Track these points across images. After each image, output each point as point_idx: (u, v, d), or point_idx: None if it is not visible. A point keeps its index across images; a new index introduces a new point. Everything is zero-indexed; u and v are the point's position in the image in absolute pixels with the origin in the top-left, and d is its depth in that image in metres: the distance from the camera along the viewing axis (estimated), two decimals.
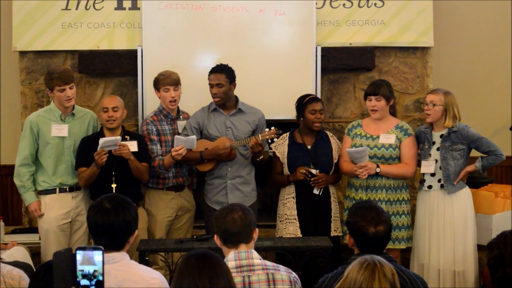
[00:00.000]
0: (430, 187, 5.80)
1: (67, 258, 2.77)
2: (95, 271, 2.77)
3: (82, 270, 2.76)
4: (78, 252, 2.76)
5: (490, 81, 7.61)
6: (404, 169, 5.76)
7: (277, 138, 5.76)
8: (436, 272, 5.70)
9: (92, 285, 2.76)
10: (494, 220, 6.29)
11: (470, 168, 5.74)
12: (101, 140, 5.52)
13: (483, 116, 7.45)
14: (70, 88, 5.66)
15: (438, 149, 5.74)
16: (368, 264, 2.99)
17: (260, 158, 5.81)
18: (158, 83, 5.93)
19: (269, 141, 5.78)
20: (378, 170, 5.69)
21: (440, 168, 5.73)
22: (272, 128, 5.66)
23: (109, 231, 3.43)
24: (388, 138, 5.76)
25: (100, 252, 2.76)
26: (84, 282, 2.76)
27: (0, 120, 7.34)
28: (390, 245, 5.70)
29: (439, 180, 5.75)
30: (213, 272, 2.98)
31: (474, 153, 5.84)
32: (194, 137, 5.69)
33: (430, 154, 5.77)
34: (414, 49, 6.99)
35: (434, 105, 5.68)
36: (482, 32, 7.55)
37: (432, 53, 7.03)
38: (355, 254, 3.76)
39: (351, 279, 3.00)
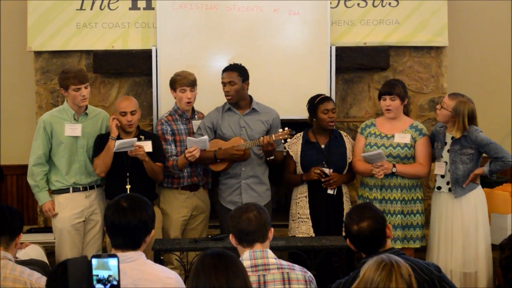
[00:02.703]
0: (439, 188, 5.80)
1: (82, 265, 2.78)
2: (109, 276, 2.78)
3: (97, 275, 2.77)
4: (93, 259, 2.77)
5: (504, 80, 7.58)
6: (419, 169, 5.75)
7: (291, 138, 5.77)
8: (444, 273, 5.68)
9: None
10: (509, 220, 6.28)
11: (478, 171, 5.70)
12: (117, 142, 5.53)
13: (497, 115, 7.43)
14: (85, 88, 5.68)
15: (448, 151, 5.73)
16: (385, 265, 2.98)
17: (271, 158, 5.81)
18: (175, 83, 5.93)
19: (283, 141, 5.79)
20: (394, 170, 5.68)
21: (449, 171, 5.72)
22: (286, 128, 5.65)
23: (126, 230, 3.44)
24: (403, 138, 5.75)
25: (116, 258, 2.78)
26: (98, 286, 2.77)
27: (16, 119, 7.38)
28: (404, 244, 5.73)
29: (448, 183, 5.74)
30: (230, 272, 2.98)
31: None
32: (206, 137, 5.69)
33: (442, 155, 5.76)
34: (429, 48, 6.98)
35: (442, 107, 5.67)
36: (497, 32, 7.53)
37: (447, 53, 7.01)
38: (364, 257, 3.77)
39: (368, 279, 2.99)
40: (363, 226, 3.74)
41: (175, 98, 5.99)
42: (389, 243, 3.84)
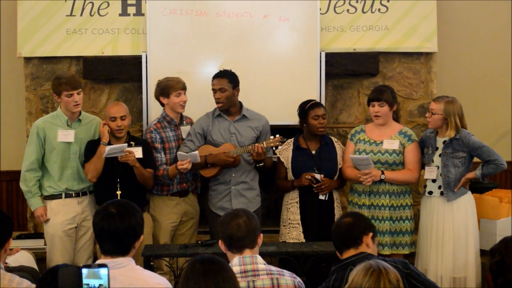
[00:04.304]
0: (430, 192, 5.81)
1: (73, 275, 2.78)
2: (100, 285, 2.78)
3: (88, 284, 2.77)
4: (83, 269, 2.77)
5: (493, 86, 7.61)
6: (409, 175, 5.76)
7: (281, 145, 5.78)
8: (434, 278, 5.69)
9: None
10: (499, 225, 6.29)
11: (470, 175, 5.73)
12: (107, 148, 5.54)
13: (487, 121, 7.45)
14: (78, 94, 5.68)
15: (440, 155, 5.74)
16: (373, 270, 3.00)
17: (261, 164, 5.82)
18: (169, 89, 5.91)
19: (273, 148, 5.80)
20: (383, 177, 5.69)
21: (441, 175, 5.74)
22: (277, 135, 5.67)
23: (114, 236, 3.43)
24: (392, 144, 5.76)
25: (106, 268, 2.78)
26: None
27: (5, 125, 7.36)
28: (393, 250, 5.74)
29: (440, 187, 5.75)
30: (219, 277, 2.99)
31: (477, 159, 5.83)
32: (196, 152, 5.69)
33: (432, 160, 5.78)
34: (418, 54, 7.00)
35: (433, 113, 5.69)
36: (486, 37, 7.55)
37: (436, 59, 7.04)
38: (333, 266, 3.86)
39: (356, 285, 3.00)
40: (346, 219, 3.96)
41: (166, 104, 5.96)
42: (363, 249, 3.90)
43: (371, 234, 3.95)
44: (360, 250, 3.88)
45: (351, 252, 3.90)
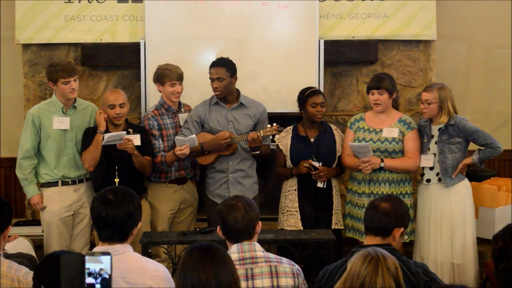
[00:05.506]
0: (428, 180, 5.81)
1: (75, 262, 2.78)
2: (101, 269, 2.77)
3: (88, 268, 2.77)
4: (87, 257, 2.77)
5: (491, 74, 7.60)
6: (408, 163, 5.76)
7: (278, 134, 5.77)
8: (434, 265, 5.70)
9: (97, 283, 2.77)
10: (497, 214, 6.30)
11: (467, 160, 5.74)
12: (106, 136, 5.53)
13: (485, 109, 7.44)
14: (75, 81, 5.69)
15: (436, 142, 5.74)
16: (371, 258, 3.00)
17: (257, 152, 5.81)
18: (164, 77, 5.91)
19: (271, 137, 5.79)
20: (382, 164, 5.69)
21: (438, 162, 5.74)
22: (274, 124, 5.66)
23: (112, 222, 3.44)
24: (391, 132, 5.75)
25: (109, 256, 2.78)
26: (89, 280, 2.77)
27: (3, 112, 7.34)
28: None
29: (437, 174, 5.76)
30: (217, 264, 2.99)
31: (473, 146, 5.83)
32: (194, 136, 5.69)
33: (429, 148, 5.78)
34: (417, 42, 6.98)
35: (429, 103, 5.68)
36: (485, 25, 7.53)
37: (435, 46, 7.02)
38: (354, 248, 3.82)
39: (354, 273, 3.00)
40: (384, 205, 3.89)
41: (161, 92, 5.97)
42: (389, 241, 3.87)
43: (402, 229, 3.91)
44: (387, 242, 3.84)
45: (377, 240, 3.83)
